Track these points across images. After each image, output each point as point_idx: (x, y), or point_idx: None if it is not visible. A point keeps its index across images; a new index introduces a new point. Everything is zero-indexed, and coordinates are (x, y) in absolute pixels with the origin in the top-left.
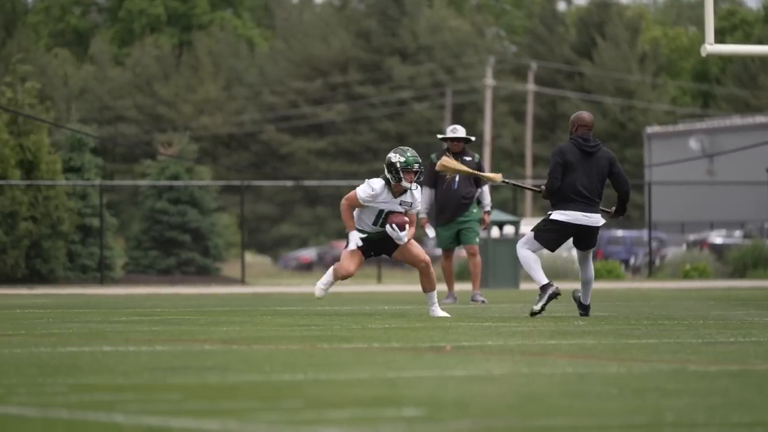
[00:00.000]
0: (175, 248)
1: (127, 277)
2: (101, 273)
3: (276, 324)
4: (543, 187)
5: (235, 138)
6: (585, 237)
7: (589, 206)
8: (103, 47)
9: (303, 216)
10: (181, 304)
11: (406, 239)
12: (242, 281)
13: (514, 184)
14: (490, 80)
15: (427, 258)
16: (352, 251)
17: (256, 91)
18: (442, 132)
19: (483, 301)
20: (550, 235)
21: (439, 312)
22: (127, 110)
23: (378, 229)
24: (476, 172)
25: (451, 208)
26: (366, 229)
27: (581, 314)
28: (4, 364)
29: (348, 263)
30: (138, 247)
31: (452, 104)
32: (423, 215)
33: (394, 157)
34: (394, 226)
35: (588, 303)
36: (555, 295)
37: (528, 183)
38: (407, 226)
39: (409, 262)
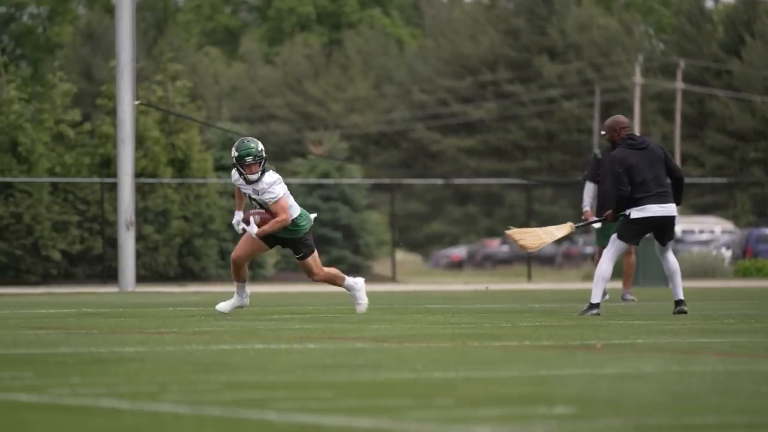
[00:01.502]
0: (327, 246)
1: (278, 275)
2: (253, 271)
3: (427, 322)
4: (608, 212)
5: (385, 136)
6: (665, 228)
7: (662, 198)
8: (253, 46)
9: (453, 214)
10: (332, 302)
11: (255, 230)
12: (393, 279)
13: (584, 225)
14: (638, 78)
15: (320, 276)
16: (246, 237)
17: (406, 90)
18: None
19: (633, 300)
20: (632, 232)
21: (223, 307)
22: (278, 109)
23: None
24: (551, 238)
25: (611, 203)
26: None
27: (677, 312)
28: (158, 362)
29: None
30: None
31: (601, 102)
32: (586, 208)
33: (232, 151)
34: (246, 226)
35: (680, 297)
36: (594, 315)
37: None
38: (251, 219)
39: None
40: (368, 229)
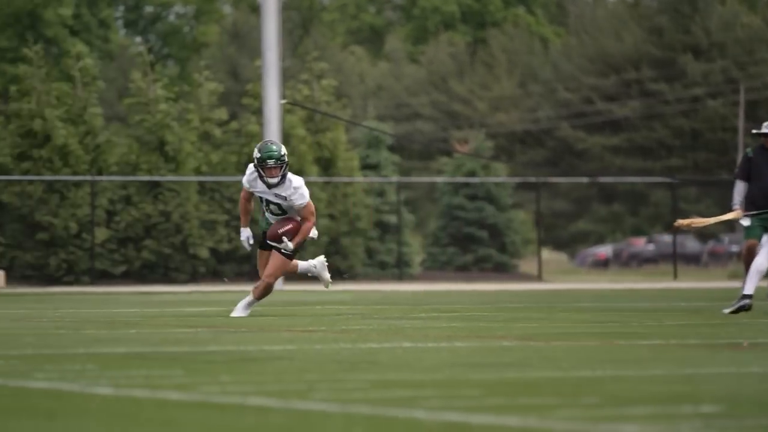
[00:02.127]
0: (473, 244)
1: (424, 273)
2: (399, 269)
3: (573, 320)
4: None
5: (530, 134)
6: None
7: None
8: (398, 45)
9: (599, 212)
10: (478, 301)
11: (291, 246)
12: (539, 278)
13: (753, 215)
14: None
15: (271, 279)
16: (260, 254)
17: (551, 88)
18: (757, 128)
19: None
20: None
21: (237, 312)
22: (423, 107)
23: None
24: (717, 219)
25: (761, 201)
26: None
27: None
28: (306, 361)
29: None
30: (435, 243)
31: (745, 101)
32: (736, 207)
33: (255, 152)
34: (278, 241)
35: (746, 292)
36: (746, 308)
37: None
38: (284, 237)
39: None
40: (514, 227)
